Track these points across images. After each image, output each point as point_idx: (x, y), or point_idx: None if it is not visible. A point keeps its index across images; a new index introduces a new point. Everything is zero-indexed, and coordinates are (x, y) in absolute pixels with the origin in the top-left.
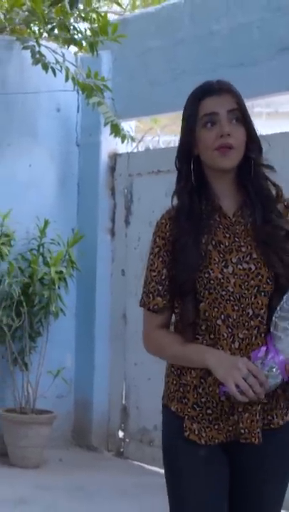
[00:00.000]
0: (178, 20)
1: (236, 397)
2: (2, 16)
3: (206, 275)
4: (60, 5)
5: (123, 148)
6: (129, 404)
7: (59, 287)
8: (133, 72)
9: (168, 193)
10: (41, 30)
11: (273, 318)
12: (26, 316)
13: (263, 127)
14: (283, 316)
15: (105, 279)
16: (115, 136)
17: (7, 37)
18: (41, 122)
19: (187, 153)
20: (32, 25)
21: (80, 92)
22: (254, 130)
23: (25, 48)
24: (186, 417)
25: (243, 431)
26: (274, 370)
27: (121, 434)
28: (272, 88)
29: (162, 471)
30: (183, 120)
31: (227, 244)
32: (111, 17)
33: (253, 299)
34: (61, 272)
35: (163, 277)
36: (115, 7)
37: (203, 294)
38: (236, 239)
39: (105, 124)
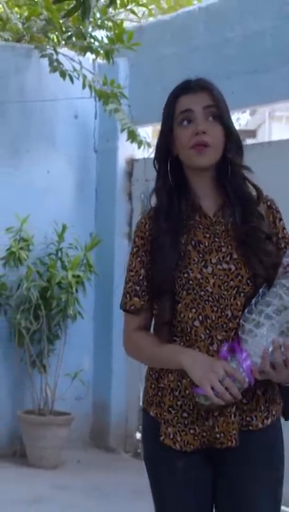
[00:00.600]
0: (193, 28)
1: (212, 399)
2: (20, 25)
3: (185, 275)
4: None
5: (140, 153)
6: None
7: (77, 291)
8: (149, 79)
9: None
10: (59, 39)
11: (241, 321)
12: (44, 319)
13: (283, 131)
14: (248, 318)
15: (122, 283)
16: (132, 142)
17: (25, 45)
18: (59, 129)
19: (164, 153)
20: (49, 33)
21: (97, 98)
22: (233, 128)
23: (43, 56)
24: (162, 421)
25: (218, 435)
26: (244, 377)
27: (138, 435)
28: (285, 94)
29: None
30: (162, 119)
31: (207, 244)
32: (127, 25)
33: (232, 300)
34: (78, 276)
35: (141, 277)
36: (132, 15)
37: (181, 295)
38: (216, 239)
39: (122, 131)
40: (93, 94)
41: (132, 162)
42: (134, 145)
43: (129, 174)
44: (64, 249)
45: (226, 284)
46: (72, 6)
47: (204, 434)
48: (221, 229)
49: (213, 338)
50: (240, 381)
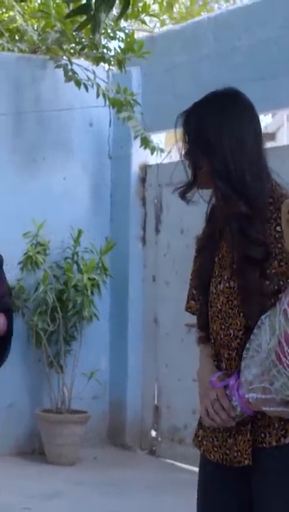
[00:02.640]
0: (202, 38)
1: (204, 420)
2: (36, 37)
3: (210, 287)
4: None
5: (153, 159)
6: (161, 404)
7: (92, 293)
8: (161, 86)
9: (195, 201)
10: (73, 50)
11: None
12: (61, 320)
13: None
14: (247, 348)
15: (137, 285)
16: (145, 148)
17: (41, 57)
18: (75, 137)
19: None
20: (64, 45)
21: (111, 107)
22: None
23: (58, 66)
24: (198, 422)
25: (236, 454)
26: (236, 406)
27: (154, 433)
28: None
29: (193, 468)
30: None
31: (226, 259)
32: (140, 35)
33: (234, 319)
34: (94, 279)
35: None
36: (144, 25)
37: (209, 305)
38: (231, 254)
39: (135, 137)
40: (107, 102)
41: (145, 168)
42: (148, 151)
43: (143, 180)
44: (80, 253)
45: (230, 302)
46: (83, 19)
47: (223, 449)
48: (234, 244)
49: (221, 355)
50: (227, 409)
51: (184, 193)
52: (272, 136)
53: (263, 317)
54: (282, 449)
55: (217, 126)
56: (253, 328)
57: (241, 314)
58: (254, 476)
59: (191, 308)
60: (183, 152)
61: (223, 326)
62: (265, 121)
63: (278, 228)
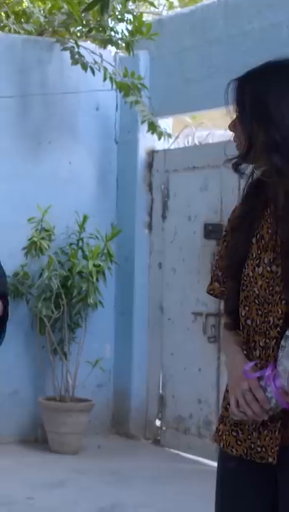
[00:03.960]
0: (212, 21)
1: (232, 412)
2: (42, 19)
3: (244, 270)
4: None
5: (160, 145)
6: (165, 393)
7: (97, 280)
8: (169, 70)
9: (203, 188)
10: (80, 32)
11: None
12: (65, 307)
13: None
14: (287, 336)
15: (143, 272)
16: (152, 133)
17: (47, 39)
18: (81, 121)
19: None
20: (70, 27)
21: (118, 90)
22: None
23: (64, 49)
24: (220, 416)
25: (259, 449)
26: (272, 399)
27: (158, 422)
28: None
29: (198, 458)
30: None
31: (267, 240)
32: (148, 18)
33: (275, 306)
34: (99, 266)
35: (223, 262)
36: (153, 8)
37: (241, 288)
38: (274, 236)
39: (142, 122)
40: (114, 86)
41: (152, 153)
42: (155, 136)
43: (150, 165)
44: (85, 239)
45: (271, 288)
46: (91, 0)
47: (248, 443)
48: (284, 226)
49: (256, 343)
50: (261, 400)
51: (236, 166)
52: None
53: None
54: None
55: (279, 96)
56: None
57: (283, 302)
58: (282, 476)
59: (213, 291)
60: (233, 122)
61: (260, 312)
62: None
63: None
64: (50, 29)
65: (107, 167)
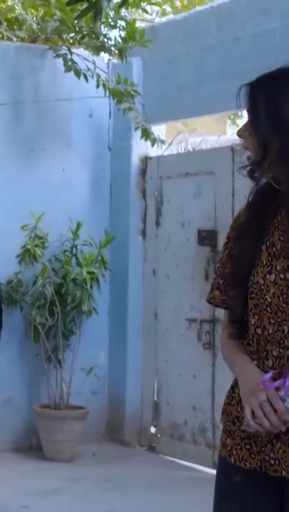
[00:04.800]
0: (205, 27)
1: (249, 424)
2: (35, 26)
3: (252, 277)
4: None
5: (153, 151)
6: (160, 400)
7: (91, 287)
8: (162, 77)
9: (196, 194)
10: (73, 39)
11: None
12: (60, 315)
13: None
14: None
15: (137, 279)
16: (146, 140)
17: (40, 46)
18: (74, 128)
19: None
20: (63, 34)
21: (111, 97)
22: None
23: (57, 56)
24: (225, 431)
25: (272, 461)
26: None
27: (153, 429)
28: None
29: (193, 465)
30: None
31: (279, 247)
32: (141, 24)
33: None
34: (93, 273)
35: (226, 271)
36: (146, 15)
37: (249, 297)
38: (288, 244)
39: (135, 129)
40: (107, 93)
41: (145, 160)
42: (148, 143)
43: (143, 172)
44: (79, 246)
45: (285, 296)
46: (84, 7)
47: (262, 455)
48: None
49: (268, 352)
50: (281, 411)
51: (252, 172)
52: None
53: None
54: None
55: None
56: None
57: None
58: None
59: (214, 299)
60: (244, 128)
61: (272, 321)
62: None
63: None
64: (43, 36)
65: (100, 174)
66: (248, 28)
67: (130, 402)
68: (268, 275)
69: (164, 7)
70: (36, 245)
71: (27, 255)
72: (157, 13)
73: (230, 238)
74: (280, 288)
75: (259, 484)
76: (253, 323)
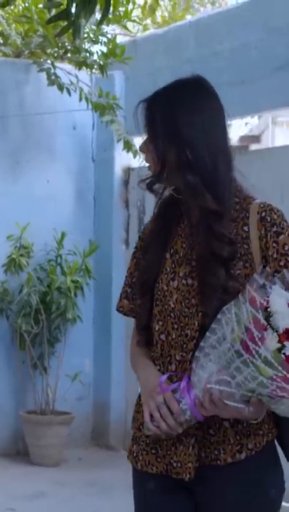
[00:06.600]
0: (184, 42)
1: (147, 427)
2: (19, 41)
3: (157, 284)
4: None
5: (136, 162)
6: None
7: (76, 295)
8: (144, 90)
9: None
10: (55, 54)
11: (196, 353)
12: (45, 322)
13: (285, 137)
14: (201, 347)
15: (121, 287)
16: (128, 151)
17: (24, 60)
18: (58, 140)
19: None
20: (46, 49)
21: (94, 110)
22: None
23: (41, 70)
24: (132, 437)
25: (175, 464)
26: (187, 411)
27: None
28: (269, 104)
29: None
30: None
31: (181, 255)
32: (122, 39)
33: (192, 319)
34: (77, 281)
35: (134, 280)
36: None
37: (154, 304)
38: (190, 251)
39: (118, 141)
40: (90, 106)
41: (128, 171)
42: (130, 154)
43: (126, 182)
44: (63, 256)
45: (187, 301)
46: (65, 24)
47: (167, 459)
48: (198, 240)
49: (172, 357)
50: (176, 413)
51: (151, 185)
52: (257, 139)
53: (224, 308)
54: (238, 466)
55: (188, 114)
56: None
57: (200, 314)
58: (199, 493)
59: (123, 308)
60: (144, 142)
61: (176, 326)
62: (252, 123)
63: (245, 228)
64: (27, 51)
65: (84, 185)
66: (225, 42)
67: (115, 408)
68: (171, 282)
69: (145, 22)
70: (21, 255)
71: (12, 265)
72: (138, 29)
73: (138, 248)
74: (182, 293)
75: (171, 488)
76: (157, 329)
